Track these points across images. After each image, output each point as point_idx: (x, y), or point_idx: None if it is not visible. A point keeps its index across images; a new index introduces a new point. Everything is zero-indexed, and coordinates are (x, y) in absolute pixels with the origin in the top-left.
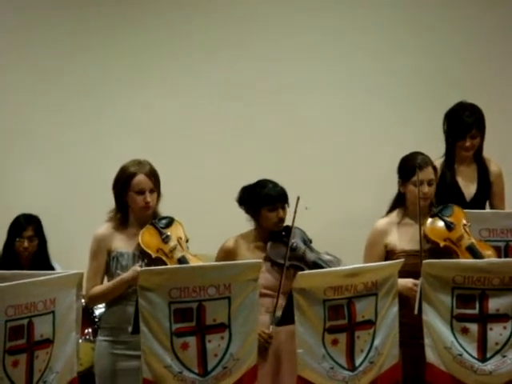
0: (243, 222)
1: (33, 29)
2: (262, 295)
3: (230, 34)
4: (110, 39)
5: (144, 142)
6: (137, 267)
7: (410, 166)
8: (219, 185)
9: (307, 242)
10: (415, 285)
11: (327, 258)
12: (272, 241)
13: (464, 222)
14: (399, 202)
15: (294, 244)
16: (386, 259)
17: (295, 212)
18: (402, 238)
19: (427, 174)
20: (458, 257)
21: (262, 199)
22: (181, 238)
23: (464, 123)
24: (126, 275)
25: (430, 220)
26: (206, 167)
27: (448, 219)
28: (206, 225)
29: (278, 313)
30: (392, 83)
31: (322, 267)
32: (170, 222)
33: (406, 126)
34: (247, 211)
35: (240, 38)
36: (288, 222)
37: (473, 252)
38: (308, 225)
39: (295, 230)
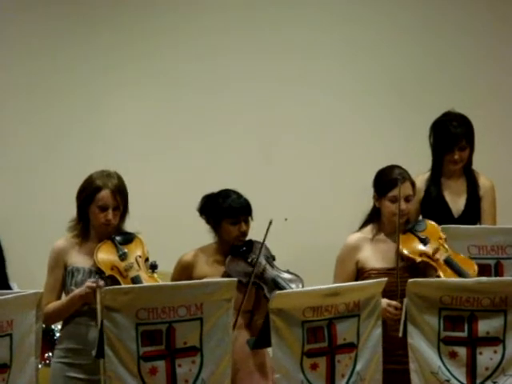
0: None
1: None
2: None
3: (200, 34)
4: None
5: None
6: (89, 283)
7: (386, 181)
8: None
9: (269, 258)
10: (389, 305)
11: (287, 276)
12: (231, 255)
13: (439, 235)
14: (374, 217)
15: (254, 260)
16: (356, 277)
17: (266, 234)
18: (375, 255)
19: (405, 189)
20: (436, 272)
21: (224, 211)
22: (140, 257)
23: (451, 134)
24: (78, 291)
25: (402, 236)
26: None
27: (421, 234)
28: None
29: (236, 331)
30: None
31: (280, 285)
32: (130, 238)
33: (391, 137)
34: (208, 222)
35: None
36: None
37: (451, 265)
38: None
39: (258, 244)
